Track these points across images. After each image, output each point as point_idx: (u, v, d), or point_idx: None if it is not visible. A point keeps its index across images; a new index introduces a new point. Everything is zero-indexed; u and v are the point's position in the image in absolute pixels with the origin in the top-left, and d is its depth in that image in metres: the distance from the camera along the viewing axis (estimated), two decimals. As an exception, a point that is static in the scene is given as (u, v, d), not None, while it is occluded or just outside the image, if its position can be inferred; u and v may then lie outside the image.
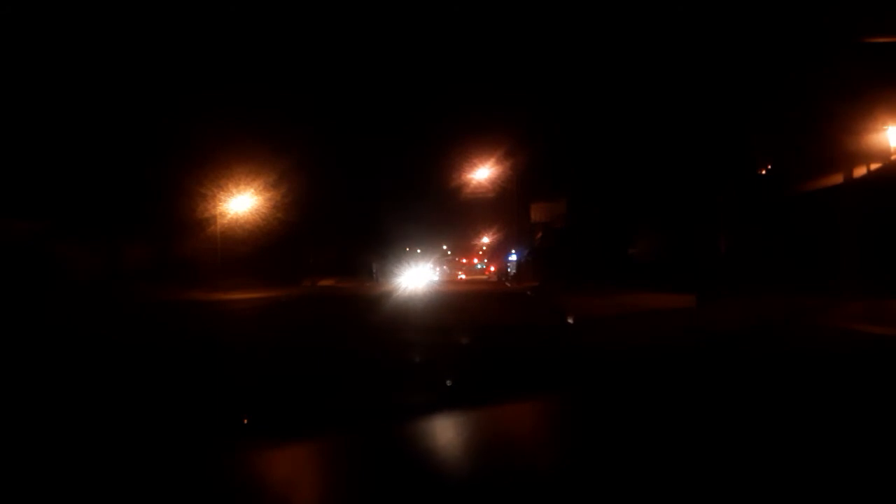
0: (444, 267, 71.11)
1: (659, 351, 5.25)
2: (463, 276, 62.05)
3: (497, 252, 56.47)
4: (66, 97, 19.28)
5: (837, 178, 14.36)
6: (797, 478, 1.87)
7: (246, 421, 2.86)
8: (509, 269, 47.92)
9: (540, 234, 34.29)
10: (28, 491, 1.93)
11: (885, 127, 13.39)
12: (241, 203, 25.99)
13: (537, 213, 31.09)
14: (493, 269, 59.68)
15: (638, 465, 2.05)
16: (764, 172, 16.40)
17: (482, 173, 27.40)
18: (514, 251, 46.11)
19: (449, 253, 72.34)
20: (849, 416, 2.44)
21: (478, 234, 61.32)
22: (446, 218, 53.20)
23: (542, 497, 1.84)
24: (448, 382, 3.66)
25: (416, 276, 42.40)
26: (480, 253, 68.77)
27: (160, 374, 4.62)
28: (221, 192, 24.82)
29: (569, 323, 10.38)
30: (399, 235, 49.55)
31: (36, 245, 19.68)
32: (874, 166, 13.89)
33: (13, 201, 18.76)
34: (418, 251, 61.76)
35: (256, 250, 27.19)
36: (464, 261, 71.41)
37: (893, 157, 13.12)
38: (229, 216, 25.83)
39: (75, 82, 19.24)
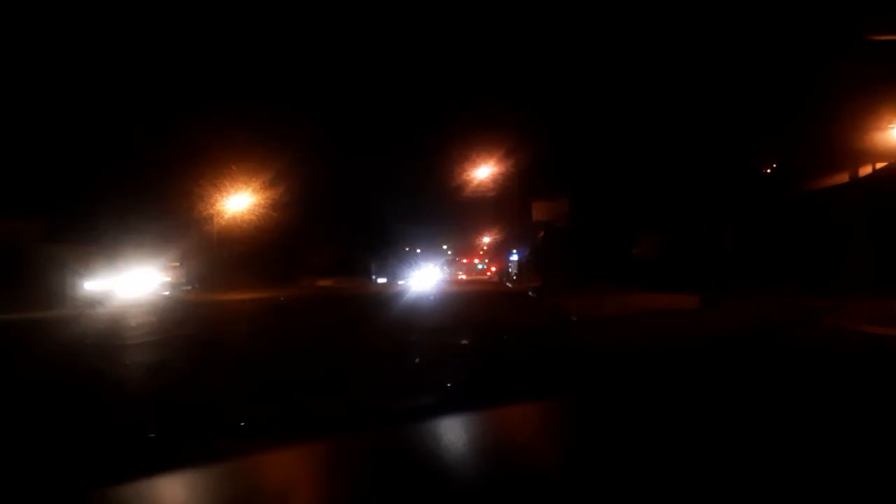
0: (445, 267, 71.09)
1: (665, 353, 5.15)
2: (463, 277, 62.05)
3: (498, 252, 56.50)
4: (60, 97, 19.25)
5: (843, 177, 14.30)
6: (805, 480, 1.84)
7: (243, 424, 2.75)
8: (511, 269, 47.95)
9: (542, 234, 34.23)
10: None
11: (892, 125, 13.31)
12: (239, 202, 25.90)
13: (539, 212, 30.99)
14: (494, 269, 59.71)
15: (644, 470, 1.99)
16: (769, 171, 16.30)
17: (483, 172, 27.32)
18: (515, 251, 46.11)
19: (450, 253, 72.39)
20: (858, 419, 2.41)
21: (479, 234, 61.36)
22: (447, 217, 53.20)
23: (546, 501, 1.79)
24: (448, 384, 3.55)
25: (421, 277, 42.10)
26: (481, 253, 68.84)
27: (154, 375, 4.49)
28: (219, 192, 24.76)
29: (572, 324, 10.27)
30: (399, 235, 49.54)
31: (29, 245, 19.63)
32: (880, 165, 13.81)
33: (4, 202, 18.75)
34: (418, 251, 61.85)
35: (254, 250, 27.16)
36: (464, 261, 71.45)
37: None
38: (227, 216, 25.75)
39: (70, 83, 19.22)
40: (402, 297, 21.57)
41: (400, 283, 38.77)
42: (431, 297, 20.55)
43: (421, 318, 12.68)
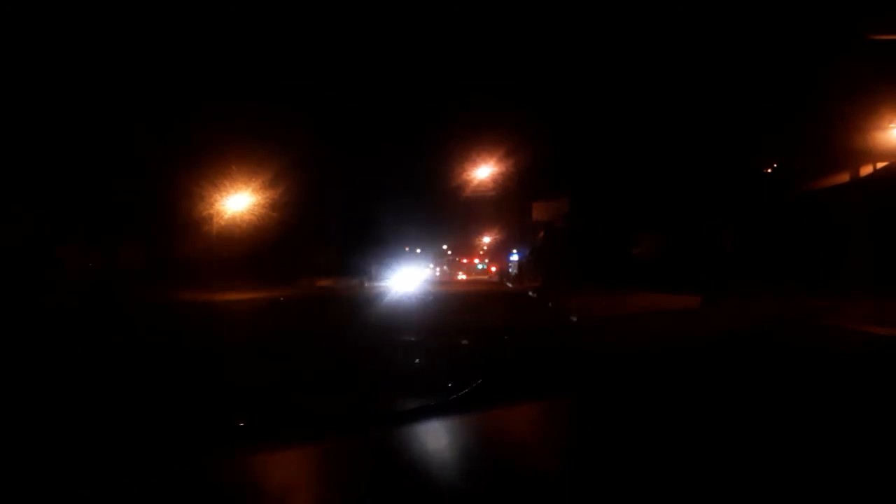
0: (445, 267, 71.24)
1: (665, 353, 5.12)
2: (463, 277, 62.10)
3: (498, 252, 56.48)
4: (60, 97, 19.22)
5: (844, 177, 14.30)
6: (805, 480, 1.85)
7: (242, 424, 2.75)
8: (511, 269, 47.94)
9: (542, 234, 34.25)
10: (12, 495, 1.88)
11: (892, 125, 13.29)
12: (238, 203, 25.88)
13: (539, 212, 31.02)
14: (494, 269, 59.66)
15: (644, 470, 1.99)
16: (770, 171, 16.30)
17: (483, 172, 27.25)
18: (515, 251, 46.11)
19: (450, 253, 72.47)
20: (858, 419, 2.41)
21: (479, 234, 61.34)
22: (447, 218, 53.16)
23: (546, 501, 1.80)
24: (449, 384, 3.53)
25: (412, 277, 42.20)
26: (482, 253, 68.79)
27: (151, 376, 4.48)
28: (218, 192, 24.74)
29: (572, 324, 10.26)
30: (399, 235, 49.56)
31: (27, 246, 19.62)
32: (881, 165, 13.81)
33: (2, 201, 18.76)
34: (418, 251, 61.96)
35: (253, 250, 27.11)
36: (464, 261, 71.47)
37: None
38: (226, 216, 25.73)
39: (70, 82, 19.17)
40: (399, 298, 21.55)
41: (390, 283, 38.66)
42: (430, 298, 20.55)
43: (421, 319, 12.67)
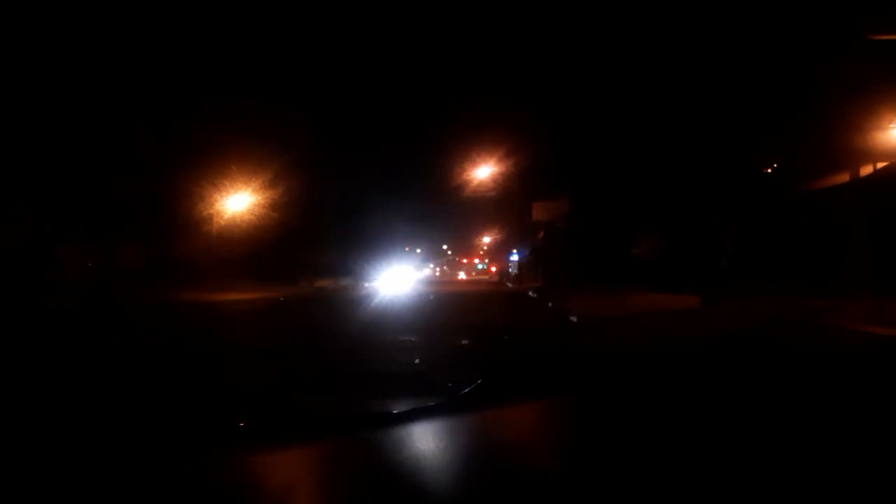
0: (445, 267, 71.29)
1: (665, 353, 5.12)
2: (463, 277, 62.09)
3: (499, 252, 56.49)
4: (60, 97, 19.21)
5: (844, 177, 14.28)
6: (805, 480, 1.86)
7: (242, 424, 2.77)
8: (511, 269, 47.94)
9: (542, 234, 34.24)
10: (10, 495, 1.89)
11: (892, 125, 13.28)
12: (238, 203, 25.85)
13: (539, 212, 31.03)
14: (494, 269, 59.67)
15: (644, 470, 2.00)
16: (769, 171, 16.29)
17: (483, 172, 27.25)
18: (515, 251, 46.10)
19: (450, 253, 72.52)
20: (858, 419, 2.42)
21: (479, 234, 61.37)
22: (447, 218, 53.21)
23: (546, 501, 1.80)
24: (449, 384, 3.55)
25: (411, 277, 42.21)
26: (482, 253, 68.79)
27: (152, 376, 4.48)
28: (218, 192, 24.72)
29: (572, 324, 10.27)
30: (399, 235, 49.56)
31: (27, 246, 19.62)
32: (881, 165, 13.79)
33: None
34: (418, 251, 62.02)
35: (253, 250, 27.07)
36: (464, 261, 71.46)
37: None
38: (226, 216, 25.71)
39: (70, 82, 19.17)
40: (399, 298, 21.55)
41: (389, 283, 38.53)
42: (430, 298, 20.58)
43: (421, 319, 12.68)
